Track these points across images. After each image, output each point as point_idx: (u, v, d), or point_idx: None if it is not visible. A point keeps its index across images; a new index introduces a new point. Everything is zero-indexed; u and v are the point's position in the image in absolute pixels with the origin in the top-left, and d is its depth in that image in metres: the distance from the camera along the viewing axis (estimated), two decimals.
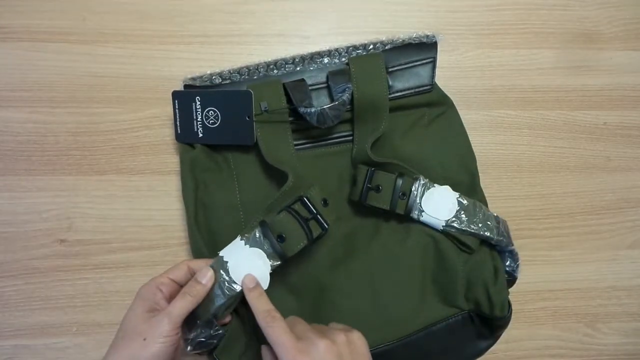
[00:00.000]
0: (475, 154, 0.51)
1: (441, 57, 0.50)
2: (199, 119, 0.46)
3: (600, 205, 0.56)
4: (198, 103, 0.46)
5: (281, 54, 0.50)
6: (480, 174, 0.51)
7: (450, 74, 0.54)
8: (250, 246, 0.42)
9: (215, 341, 0.42)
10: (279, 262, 0.42)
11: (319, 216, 0.43)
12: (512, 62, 0.56)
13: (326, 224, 0.43)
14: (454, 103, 0.51)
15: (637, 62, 0.57)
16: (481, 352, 0.48)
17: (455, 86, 0.55)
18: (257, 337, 0.44)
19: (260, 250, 0.41)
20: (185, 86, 0.47)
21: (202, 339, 0.41)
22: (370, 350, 0.40)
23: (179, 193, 0.51)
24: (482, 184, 0.50)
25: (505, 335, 0.51)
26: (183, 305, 0.39)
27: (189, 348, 0.41)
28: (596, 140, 0.57)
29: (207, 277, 0.41)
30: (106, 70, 0.51)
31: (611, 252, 0.56)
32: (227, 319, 0.44)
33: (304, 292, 0.47)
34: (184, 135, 0.47)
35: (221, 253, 0.42)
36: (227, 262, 0.41)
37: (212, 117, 0.46)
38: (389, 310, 0.46)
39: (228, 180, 0.48)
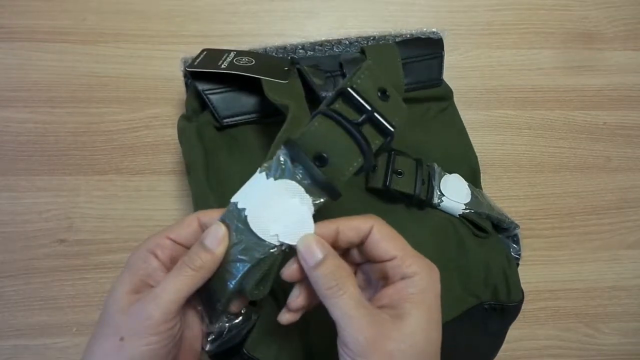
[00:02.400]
0: (476, 154, 0.51)
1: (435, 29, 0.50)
2: (228, 60, 0.42)
3: (600, 205, 0.56)
4: (232, 54, 0.43)
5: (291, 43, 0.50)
6: (481, 174, 0.51)
7: (450, 74, 0.54)
8: (276, 178, 0.27)
9: (244, 333, 0.31)
10: (323, 200, 0.28)
11: (376, 114, 0.27)
12: (512, 62, 0.56)
13: (390, 128, 0.28)
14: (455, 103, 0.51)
15: (637, 62, 0.57)
16: (492, 353, 0.47)
17: (455, 86, 0.54)
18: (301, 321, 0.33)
19: (294, 183, 0.27)
20: (190, 72, 0.43)
21: (229, 333, 0.30)
22: None
23: (179, 193, 0.51)
24: (482, 184, 0.50)
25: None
26: (180, 282, 0.26)
27: (208, 347, 0.30)
28: (596, 140, 0.57)
29: (217, 237, 0.27)
30: (106, 70, 0.51)
31: (611, 252, 0.56)
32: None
33: None
34: (201, 66, 0.40)
35: (233, 199, 0.28)
36: (243, 209, 0.27)
37: (245, 61, 0.41)
38: None
39: (243, 152, 0.43)
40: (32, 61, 0.51)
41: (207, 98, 0.42)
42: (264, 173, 0.27)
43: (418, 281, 0.27)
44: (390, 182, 0.43)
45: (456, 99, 0.51)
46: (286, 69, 0.42)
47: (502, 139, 0.55)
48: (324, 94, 0.40)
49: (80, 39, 0.51)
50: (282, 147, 0.28)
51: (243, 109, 0.43)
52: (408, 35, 0.48)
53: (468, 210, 0.45)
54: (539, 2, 0.56)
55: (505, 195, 0.55)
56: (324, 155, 0.27)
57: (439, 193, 0.46)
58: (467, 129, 0.51)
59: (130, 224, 0.51)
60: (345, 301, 0.26)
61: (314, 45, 0.47)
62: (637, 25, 0.57)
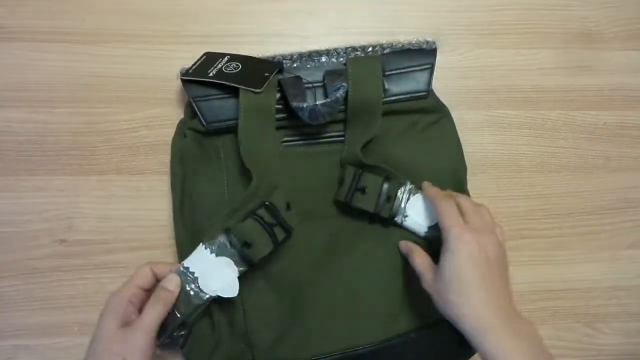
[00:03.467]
0: (475, 154, 0.51)
1: (441, 57, 0.50)
2: (218, 67, 0.46)
3: (600, 205, 0.56)
4: (225, 59, 0.47)
5: (281, 53, 0.50)
6: (480, 174, 0.51)
7: (450, 74, 0.54)
8: (217, 255, 0.42)
9: (183, 335, 0.43)
10: (245, 269, 0.44)
11: (282, 221, 0.43)
12: (512, 62, 0.56)
13: (290, 229, 0.44)
14: (454, 103, 0.51)
15: (637, 62, 0.57)
16: None
17: (455, 86, 0.54)
18: (231, 334, 0.45)
19: (228, 259, 0.42)
20: (183, 80, 0.46)
21: (170, 339, 0.42)
22: (345, 354, 0.45)
23: None
24: (482, 184, 0.50)
25: None
26: (155, 315, 0.39)
27: (157, 350, 0.41)
28: (596, 140, 0.57)
29: (174, 283, 0.42)
30: (106, 70, 0.51)
31: (611, 252, 0.56)
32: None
33: (284, 287, 0.46)
34: (193, 74, 0.46)
35: (186, 263, 0.43)
36: (193, 272, 0.43)
37: (232, 67, 0.46)
38: (368, 312, 0.46)
39: (217, 173, 0.48)
40: (32, 61, 0.51)
41: (196, 105, 0.46)
42: (208, 249, 0.43)
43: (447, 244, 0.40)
44: (351, 198, 0.45)
45: (456, 98, 0.51)
46: (267, 74, 0.45)
47: (502, 139, 0.55)
48: (295, 104, 0.44)
49: (80, 39, 0.51)
50: (224, 233, 0.43)
51: (229, 114, 0.46)
52: (400, 46, 0.48)
53: (430, 234, 0.46)
54: (539, 2, 0.56)
55: (505, 195, 0.55)
56: (250, 242, 0.42)
57: (403, 212, 0.46)
58: (467, 129, 0.51)
59: (130, 224, 0.51)
60: (418, 263, 0.43)
61: (301, 56, 0.48)
62: (637, 25, 0.57)
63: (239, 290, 0.44)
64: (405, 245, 0.46)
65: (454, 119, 0.51)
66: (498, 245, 0.40)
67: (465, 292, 0.38)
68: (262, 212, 0.43)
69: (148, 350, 0.38)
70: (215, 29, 0.53)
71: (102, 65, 0.51)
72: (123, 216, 0.51)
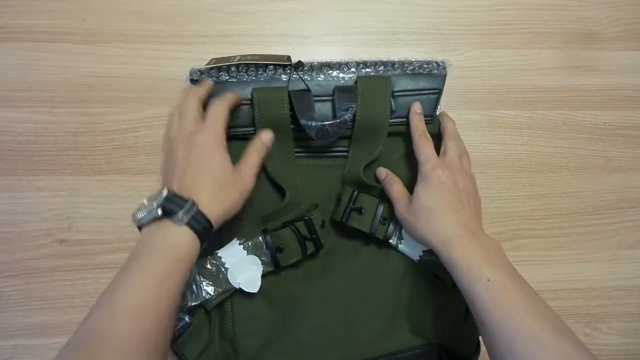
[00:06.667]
0: (475, 154, 0.50)
1: (441, 57, 0.50)
2: (232, 70, 0.47)
3: (600, 205, 0.56)
4: (237, 58, 0.47)
5: (281, 54, 0.50)
6: (479, 174, 0.51)
7: (450, 74, 0.54)
8: (249, 253, 0.45)
9: (178, 327, 0.44)
10: (271, 269, 0.46)
11: (316, 238, 0.46)
12: (512, 62, 0.56)
13: (320, 246, 0.46)
14: (454, 103, 0.51)
15: (637, 62, 0.57)
16: None
17: (455, 86, 0.54)
18: (221, 338, 0.46)
19: (257, 258, 0.45)
20: (192, 80, 0.46)
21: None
22: None
23: None
24: (482, 184, 0.50)
25: None
26: (255, 160, 0.43)
27: None
28: (596, 140, 0.57)
29: (268, 138, 0.44)
30: (106, 70, 0.51)
31: (611, 252, 0.56)
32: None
33: (277, 301, 0.47)
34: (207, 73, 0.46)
35: (219, 253, 0.45)
36: (224, 262, 0.45)
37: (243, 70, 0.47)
38: (357, 329, 0.47)
39: None
40: (32, 61, 0.51)
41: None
42: (241, 246, 0.45)
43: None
44: (347, 218, 0.46)
45: (456, 98, 0.51)
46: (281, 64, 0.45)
47: (502, 139, 0.55)
48: (304, 122, 0.44)
49: (80, 39, 0.51)
50: (262, 234, 0.45)
51: (236, 121, 0.46)
52: (411, 69, 0.48)
53: (424, 259, 0.46)
54: (539, 2, 0.56)
55: (505, 195, 0.55)
56: (282, 247, 0.45)
57: (398, 235, 0.46)
58: (467, 129, 0.51)
59: (130, 224, 0.51)
60: (395, 190, 0.45)
61: (312, 68, 0.47)
62: (637, 25, 0.57)
63: (230, 296, 0.46)
64: (385, 172, 0.47)
65: (454, 119, 0.50)
66: (469, 179, 0.45)
67: (436, 214, 0.41)
68: (300, 225, 0.45)
69: (251, 191, 0.43)
70: (215, 29, 0.53)
71: (102, 65, 0.51)
72: (123, 216, 0.51)
